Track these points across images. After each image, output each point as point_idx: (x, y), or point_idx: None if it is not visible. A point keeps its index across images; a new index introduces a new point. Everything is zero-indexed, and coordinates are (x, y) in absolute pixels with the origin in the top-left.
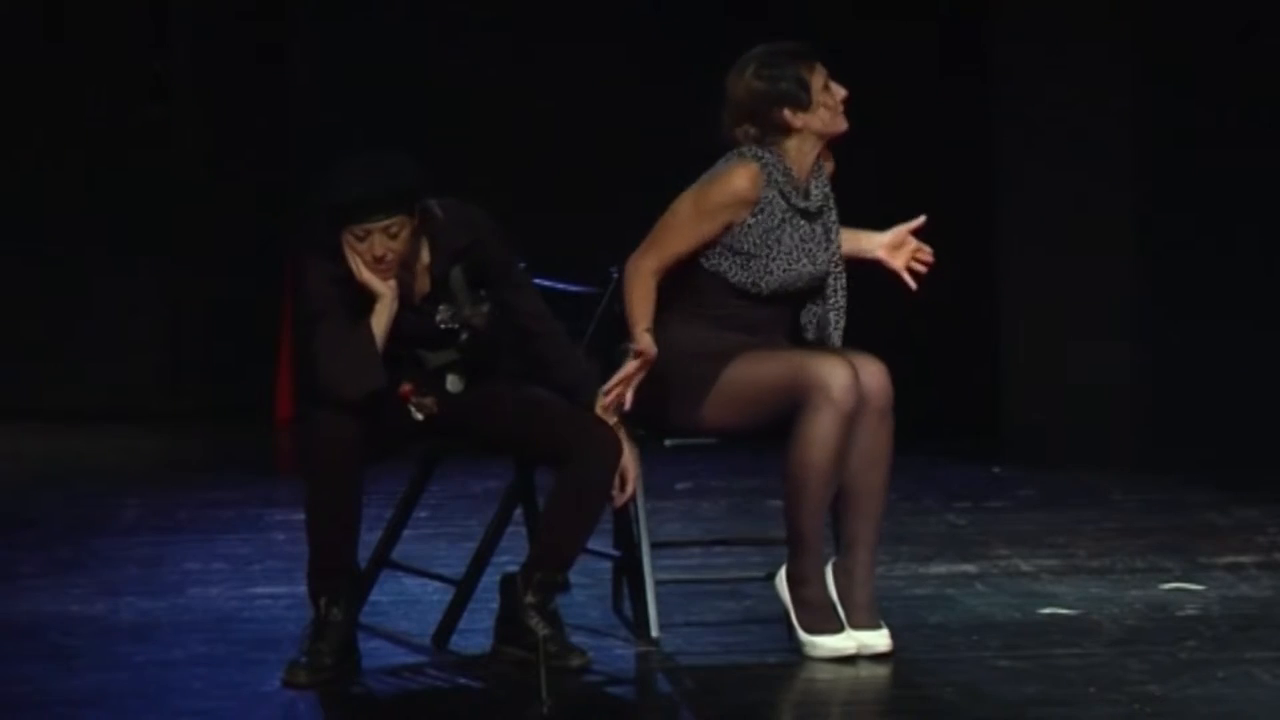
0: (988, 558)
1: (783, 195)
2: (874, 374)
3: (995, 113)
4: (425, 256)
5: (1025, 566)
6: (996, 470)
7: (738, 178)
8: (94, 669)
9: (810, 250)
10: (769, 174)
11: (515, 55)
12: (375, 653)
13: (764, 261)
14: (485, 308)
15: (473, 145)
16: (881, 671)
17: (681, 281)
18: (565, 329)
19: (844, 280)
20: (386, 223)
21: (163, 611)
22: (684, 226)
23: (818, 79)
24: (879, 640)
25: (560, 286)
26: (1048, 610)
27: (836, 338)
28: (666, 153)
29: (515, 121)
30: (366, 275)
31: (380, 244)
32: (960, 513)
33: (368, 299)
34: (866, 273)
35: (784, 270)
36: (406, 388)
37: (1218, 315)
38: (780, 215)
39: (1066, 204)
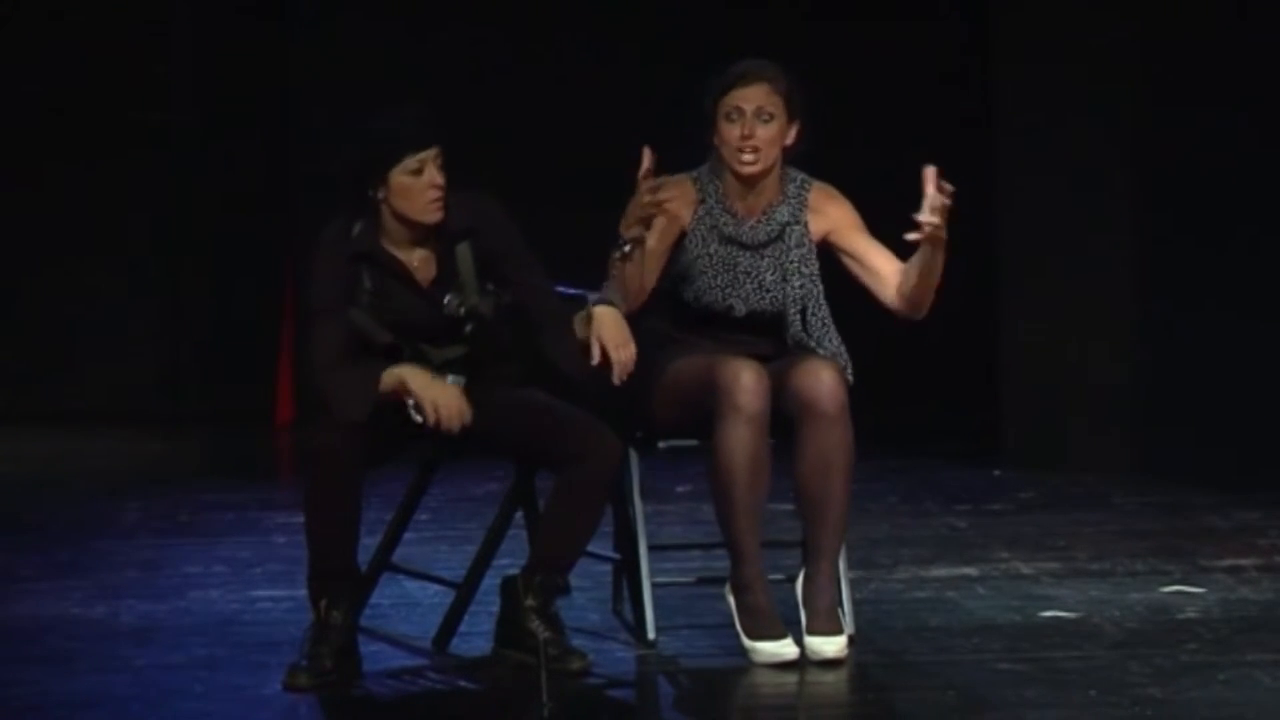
0: (988, 560)
1: (711, 216)
2: (821, 379)
3: (996, 114)
4: (433, 243)
5: (1026, 569)
6: (997, 473)
7: (668, 186)
8: (94, 672)
9: (738, 281)
10: (703, 193)
11: (517, 55)
12: (376, 655)
13: (687, 283)
14: (493, 299)
15: (473, 145)
16: (883, 674)
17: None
18: (565, 310)
19: (812, 316)
20: (436, 151)
21: (163, 614)
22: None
23: (723, 106)
24: (828, 646)
25: (560, 289)
26: (1048, 613)
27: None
28: (670, 153)
29: (516, 121)
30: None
31: (437, 174)
32: (961, 515)
33: (372, 298)
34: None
35: (699, 295)
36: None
37: (1218, 317)
38: (710, 239)
39: (1066, 206)
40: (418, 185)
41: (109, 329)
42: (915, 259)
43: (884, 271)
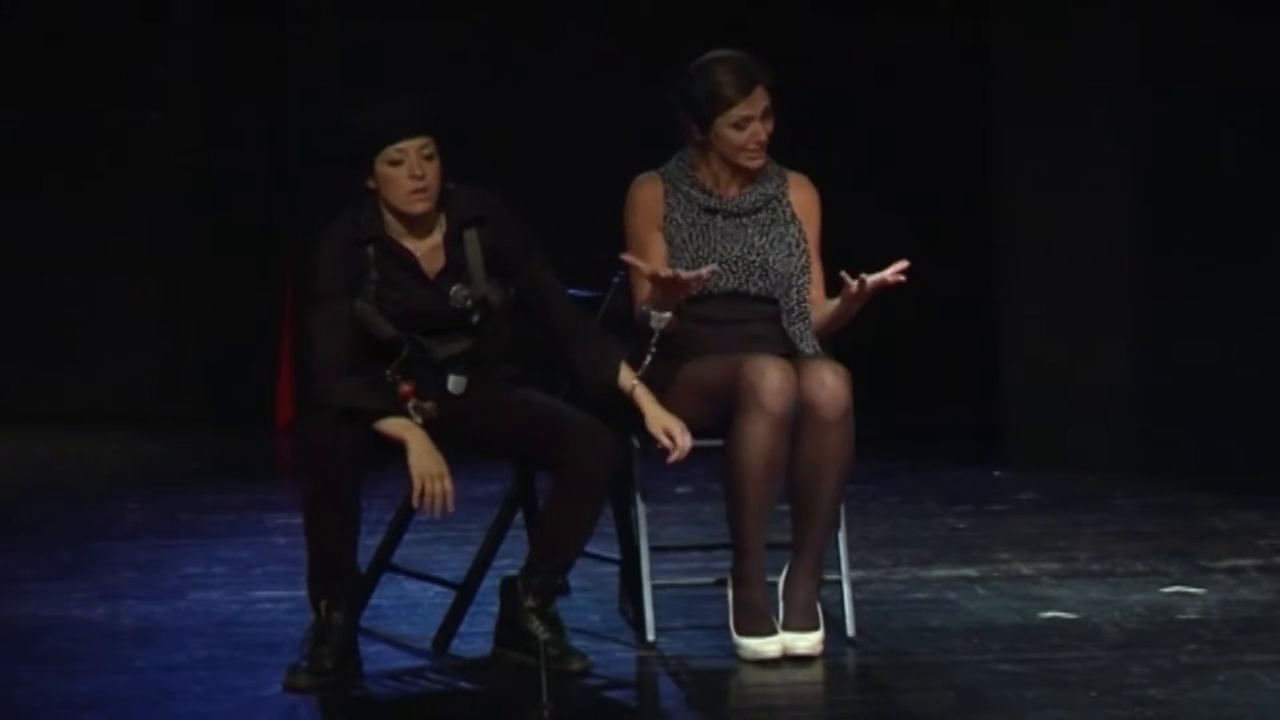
0: (988, 561)
1: (688, 199)
2: (824, 383)
3: (996, 114)
4: (439, 234)
5: (1026, 570)
6: (997, 473)
7: (633, 188)
8: (95, 673)
9: (725, 245)
10: (671, 181)
11: (516, 56)
12: (376, 656)
13: (675, 262)
14: (500, 290)
15: (473, 147)
16: (883, 675)
17: None
18: (590, 315)
19: (801, 291)
20: (421, 141)
21: (163, 615)
22: (633, 253)
23: (730, 116)
24: (800, 642)
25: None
26: (1048, 614)
27: (805, 348)
28: (671, 152)
29: (516, 122)
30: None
31: (419, 164)
32: (961, 516)
33: (378, 288)
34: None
35: (685, 263)
36: (407, 388)
37: (1218, 317)
38: (691, 217)
39: (1066, 205)
40: (398, 176)
41: (109, 329)
42: (833, 305)
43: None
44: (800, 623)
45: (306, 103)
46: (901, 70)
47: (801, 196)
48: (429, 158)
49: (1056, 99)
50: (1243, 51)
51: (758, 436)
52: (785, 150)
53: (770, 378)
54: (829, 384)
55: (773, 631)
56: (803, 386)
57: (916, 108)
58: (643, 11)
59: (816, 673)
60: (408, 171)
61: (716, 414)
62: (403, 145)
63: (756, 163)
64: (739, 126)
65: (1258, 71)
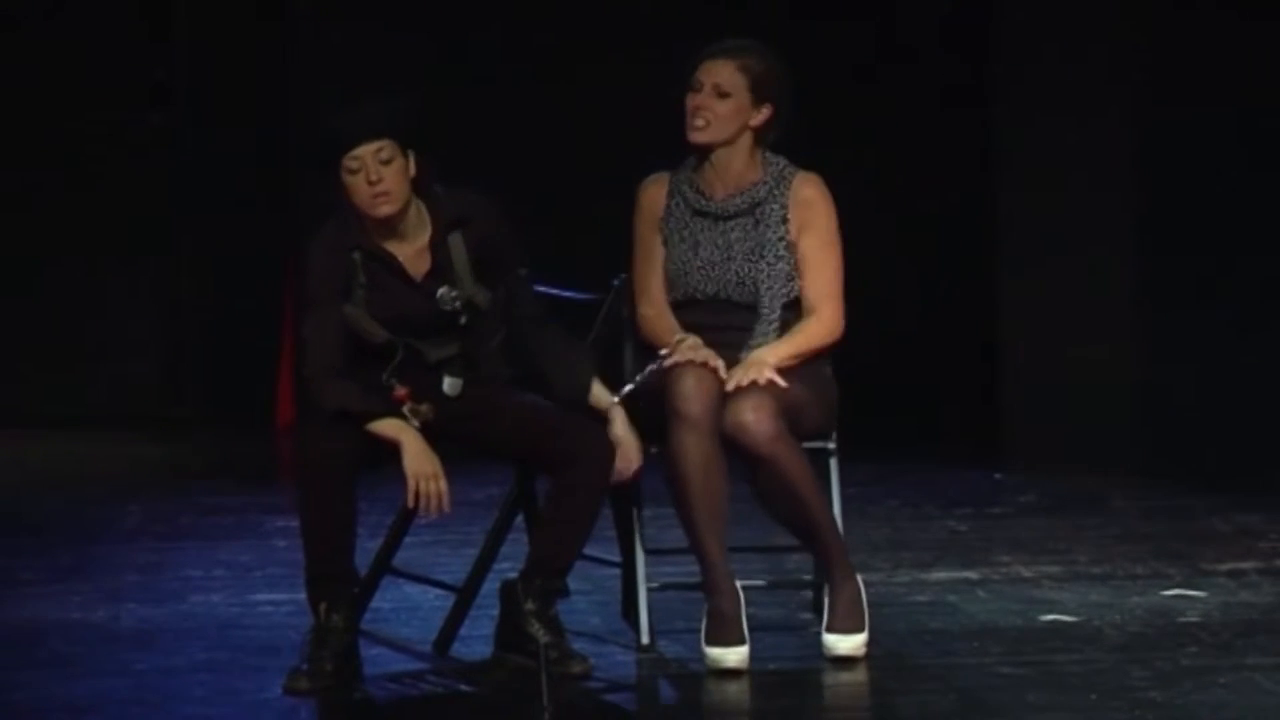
0: (989, 564)
1: (684, 200)
2: (744, 425)
3: (996, 114)
4: (425, 237)
5: (1026, 573)
6: (997, 476)
7: (639, 190)
8: (95, 676)
9: (705, 248)
10: (675, 182)
11: (516, 57)
12: (376, 659)
13: (665, 261)
14: (486, 295)
15: (472, 148)
16: (884, 677)
17: None
18: (561, 328)
19: (777, 299)
20: (376, 145)
21: (164, 618)
22: (637, 256)
23: (693, 79)
24: (840, 644)
25: (563, 293)
26: (1049, 617)
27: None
28: (671, 155)
29: (515, 124)
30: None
31: (374, 169)
32: (961, 519)
33: (367, 293)
34: (867, 278)
35: (673, 267)
36: (402, 392)
37: (1219, 320)
38: (684, 219)
39: (1066, 206)
40: (357, 182)
41: (109, 329)
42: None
43: (806, 295)
44: (838, 625)
45: (306, 103)
46: (901, 70)
47: (803, 195)
48: (386, 162)
49: (1056, 99)
50: (1243, 52)
51: (683, 445)
52: (784, 151)
53: (684, 385)
54: (747, 422)
55: (737, 641)
56: (726, 425)
57: (916, 108)
58: (642, 11)
59: (817, 676)
60: (365, 177)
61: (659, 424)
62: (357, 152)
63: (694, 136)
64: (692, 88)
65: (1258, 72)
